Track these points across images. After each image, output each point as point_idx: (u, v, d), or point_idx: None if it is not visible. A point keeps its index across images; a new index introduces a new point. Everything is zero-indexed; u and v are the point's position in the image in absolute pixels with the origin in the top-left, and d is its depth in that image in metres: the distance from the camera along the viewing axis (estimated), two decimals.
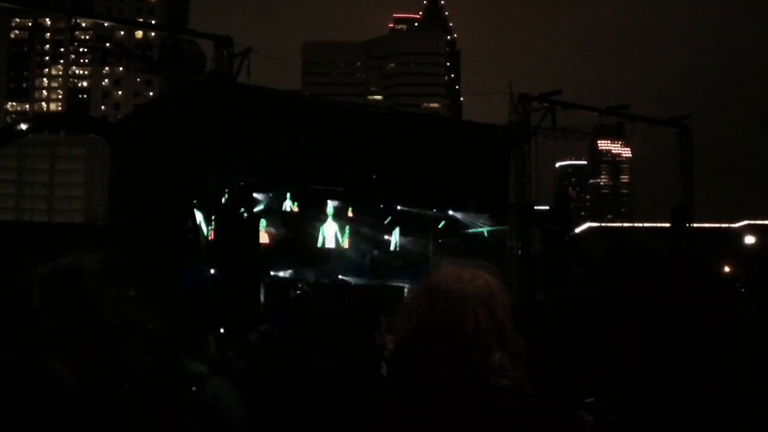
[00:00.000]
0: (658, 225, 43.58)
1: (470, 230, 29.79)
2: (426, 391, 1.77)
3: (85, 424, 0.93)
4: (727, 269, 28.19)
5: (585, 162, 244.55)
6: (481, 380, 1.78)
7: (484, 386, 1.78)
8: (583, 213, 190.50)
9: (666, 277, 2.63)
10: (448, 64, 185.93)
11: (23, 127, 27.98)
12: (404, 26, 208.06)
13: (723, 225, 54.32)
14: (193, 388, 4.24)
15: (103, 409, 0.95)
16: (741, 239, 46.23)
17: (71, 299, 0.98)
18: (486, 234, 29.80)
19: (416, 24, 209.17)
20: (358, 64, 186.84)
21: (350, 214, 29.12)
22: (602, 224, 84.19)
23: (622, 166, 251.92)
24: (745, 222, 54.54)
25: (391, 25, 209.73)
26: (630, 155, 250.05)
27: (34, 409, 0.91)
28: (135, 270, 1.08)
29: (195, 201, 24.91)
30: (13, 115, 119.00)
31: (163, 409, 1.03)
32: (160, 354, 1.02)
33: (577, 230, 39.15)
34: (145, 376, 0.98)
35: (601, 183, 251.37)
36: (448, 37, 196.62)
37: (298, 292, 23.18)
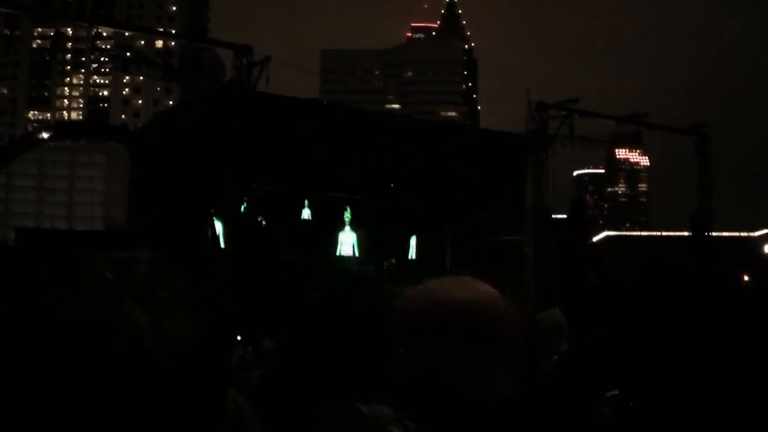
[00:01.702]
0: (677, 234, 43.41)
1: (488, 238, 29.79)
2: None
3: (161, 378, 1.04)
4: (746, 278, 28.06)
5: (603, 170, 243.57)
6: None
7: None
8: (600, 221, 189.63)
9: (695, 293, 2.66)
10: (465, 72, 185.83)
11: (45, 135, 28.27)
12: (422, 35, 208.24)
13: (742, 234, 54.04)
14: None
15: (171, 364, 1.05)
16: (760, 248, 46.00)
17: (127, 277, 1.10)
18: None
19: (434, 33, 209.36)
20: (376, 72, 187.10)
21: (368, 221, 29.21)
22: (620, 233, 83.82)
23: (640, 174, 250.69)
24: (765, 231, 54.23)
25: (409, 33, 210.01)
26: (648, 163, 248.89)
27: (117, 358, 1.01)
28: (183, 264, 1.20)
29: (213, 209, 25.07)
30: (34, 123, 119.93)
31: (212, 375, 1.13)
32: (208, 327, 1.13)
33: (595, 239, 39.06)
34: (194, 345, 1.09)
35: (619, 191, 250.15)
36: (465, 46, 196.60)
37: (315, 297, 23.23)
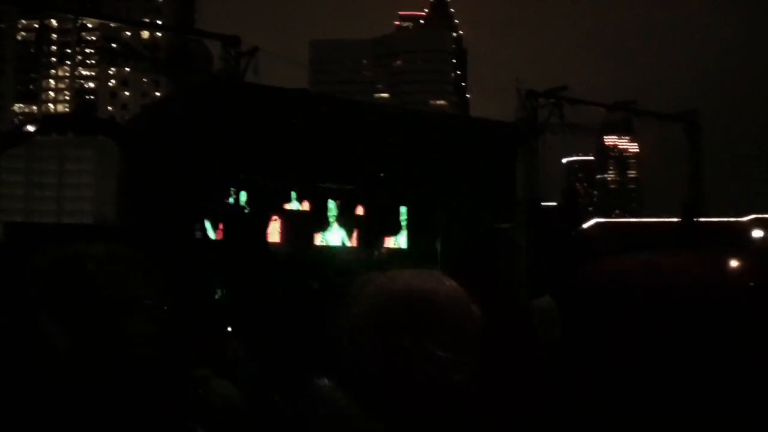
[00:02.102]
0: (666, 220, 43.49)
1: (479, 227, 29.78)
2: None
3: (78, 385, 0.97)
4: (735, 263, 28.11)
5: (592, 158, 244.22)
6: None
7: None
8: (590, 208, 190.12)
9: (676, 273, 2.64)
10: (454, 61, 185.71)
11: (31, 128, 28.09)
12: (410, 24, 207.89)
13: (731, 219, 54.19)
14: (199, 391, 4.27)
15: (100, 372, 0.99)
16: (749, 233, 46.12)
17: (74, 279, 1.03)
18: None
19: (422, 21, 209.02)
20: (365, 62, 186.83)
21: (358, 212, 29.16)
22: (610, 219, 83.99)
23: (629, 161, 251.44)
24: (753, 216, 54.41)
25: (397, 22, 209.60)
26: (637, 150, 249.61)
27: (25, 365, 0.95)
28: (140, 259, 1.13)
29: (203, 200, 24.98)
30: (21, 117, 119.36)
31: (167, 376, 1.07)
32: (160, 327, 1.06)
33: (585, 226, 39.09)
34: (146, 345, 1.03)
35: (609, 178, 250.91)
36: (455, 35, 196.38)
37: (309, 289, 23.23)
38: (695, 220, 32.29)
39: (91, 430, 1.00)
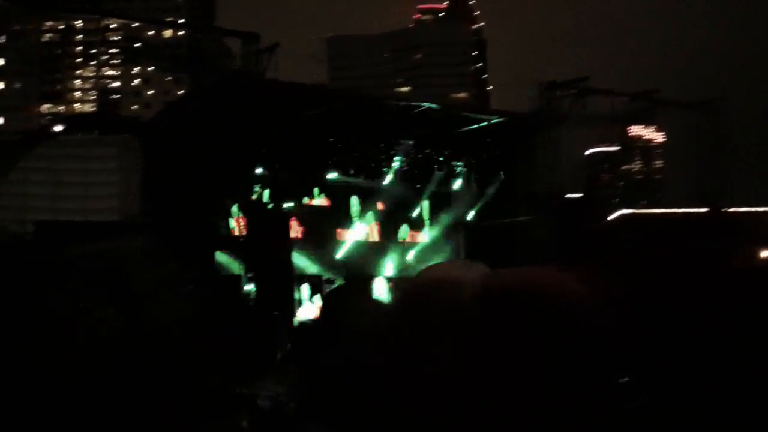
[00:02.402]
0: (693, 210, 43.16)
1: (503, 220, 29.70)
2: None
3: (127, 370, 1.03)
4: (764, 254, 27.90)
5: (616, 148, 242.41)
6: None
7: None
8: (615, 200, 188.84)
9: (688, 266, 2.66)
10: (474, 53, 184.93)
11: (57, 128, 28.35)
12: (430, 17, 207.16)
13: (759, 209, 53.69)
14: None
15: (145, 347, 1.05)
16: None
17: (109, 270, 1.09)
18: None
19: (441, 14, 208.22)
20: (384, 56, 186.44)
21: (379, 206, 29.20)
22: (635, 211, 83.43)
23: (654, 151, 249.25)
24: None
25: (417, 16, 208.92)
26: (662, 140, 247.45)
27: (79, 352, 1.01)
28: (164, 253, 1.19)
29: (226, 197, 25.13)
30: (47, 117, 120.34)
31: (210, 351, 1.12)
32: (197, 310, 1.11)
33: (609, 218, 38.88)
34: (176, 331, 1.08)
35: (634, 169, 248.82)
36: (474, 27, 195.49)
37: (333, 287, 23.34)
38: (721, 210, 32.03)
39: (140, 408, 1.05)
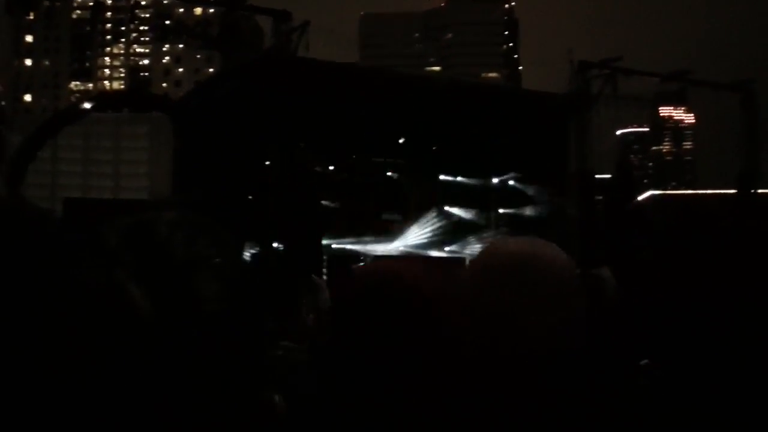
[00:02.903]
0: (723, 192, 42.72)
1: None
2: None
3: (162, 350, 1.02)
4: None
5: (647, 129, 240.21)
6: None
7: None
8: (645, 181, 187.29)
9: (731, 249, 2.64)
10: (506, 33, 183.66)
11: (87, 106, 28.53)
12: None
13: None
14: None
15: (180, 334, 1.03)
16: None
17: (146, 238, 1.08)
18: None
19: None
20: (416, 35, 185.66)
21: (411, 186, 29.13)
22: (665, 192, 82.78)
23: (685, 132, 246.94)
24: None
25: None
26: (693, 121, 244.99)
27: (110, 331, 0.99)
28: (207, 222, 1.18)
29: (257, 176, 25.18)
30: (77, 95, 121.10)
31: (242, 337, 1.11)
32: (231, 285, 1.10)
33: (640, 198, 38.64)
34: (218, 301, 1.07)
35: (664, 150, 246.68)
36: (506, 6, 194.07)
37: (360, 264, 23.36)
38: (752, 191, 31.69)
39: (170, 393, 1.03)
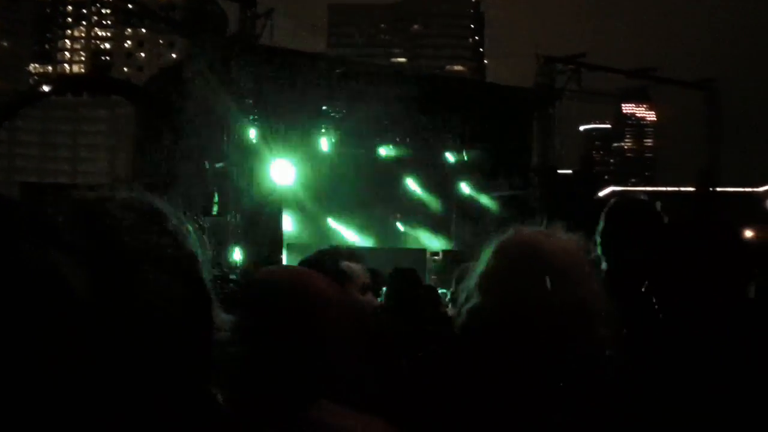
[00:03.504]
0: (683, 189, 43.29)
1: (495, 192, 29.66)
2: (546, 365, 1.71)
3: (95, 335, 0.91)
4: (749, 234, 28.04)
5: (609, 126, 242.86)
6: (602, 353, 1.72)
7: (604, 360, 1.73)
8: (606, 177, 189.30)
9: (690, 239, 2.63)
10: (472, 26, 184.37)
11: (46, 89, 28.09)
12: None
13: (747, 189, 53.90)
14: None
15: (119, 317, 0.93)
16: (765, 203, 45.89)
17: (94, 221, 0.97)
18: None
19: None
20: (383, 26, 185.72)
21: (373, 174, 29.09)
22: (626, 188, 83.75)
23: (646, 129, 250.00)
24: None
25: None
26: (655, 118, 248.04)
27: (39, 308, 0.89)
28: (164, 208, 1.08)
29: (219, 162, 24.98)
30: (36, 77, 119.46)
31: (188, 331, 1.01)
32: (181, 277, 1.01)
33: (601, 194, 38.96)
34: (165, 294, 0.96)
35: (626, 147, 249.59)
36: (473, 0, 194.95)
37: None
38: (712, 189, 32.07)
39: (103, 381, 0.94)
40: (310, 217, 28.05)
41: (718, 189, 32.82)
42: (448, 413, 1.82)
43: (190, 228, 1.08)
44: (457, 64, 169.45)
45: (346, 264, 3.24)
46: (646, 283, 2.77)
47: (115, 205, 1.00)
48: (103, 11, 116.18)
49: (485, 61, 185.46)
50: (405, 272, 5.90)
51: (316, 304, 1.88)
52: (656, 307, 2.56)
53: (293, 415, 1.66)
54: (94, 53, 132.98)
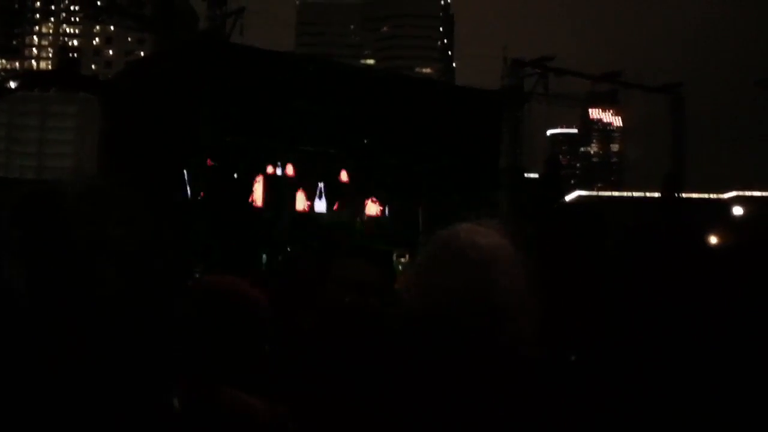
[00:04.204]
0: (648, 195, 43.66)
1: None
2: (453, 359, 1.69)
3: (41, 331, 0.91)
4: (714, 240, 28.32)
5: (576, 130, 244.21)
6: (514, 350, 1.70)
7: (517, 357, 1.70)
8: (573, 181, 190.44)
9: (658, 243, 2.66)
10: (441, 29, 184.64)
11: (13, 84, 27.78)
12: None
13: (712, 196, 54.44)
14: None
15: (66, 315, 0.92)
16: (729, 210, 46.39)
17: (44, 214, 0.96)
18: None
19: None
20: (352, 26, 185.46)
21: (343, 178, 29.05)
22: (592, 193, 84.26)
23: (613, 134, 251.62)
24: (734, 193, 54.70)
25: None
26: (621, 124, 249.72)
27: None
28: (122, 197, 1.06)
29: (185, 160, 24.83)
30: (2, 73, 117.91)
31: (144, 325, 1.00)
32: (135, 270, 0.99)
33: (567, 198, 39.20)
34: (117, 288, 0.96)
35: (592, 151, 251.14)
36: (443, 2, 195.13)
37: (287, 251, 23.24)
38: (677, 195, 32.39)
39: (54, 387, 0.93)
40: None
41: (684, 195, 33.16)
42: (369, 404, 1.85)
43: (148, 220, 1.05)
44: (425, 66, 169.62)
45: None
46: (601, 286, 2.78)
47: (68, 197, 0.97)
48: (72, 7, 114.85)
49: (454, 64, 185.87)
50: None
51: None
52: (612, 308, 2.57)
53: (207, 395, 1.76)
54: (62, 49, 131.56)
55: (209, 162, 23.72)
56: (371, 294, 3.50)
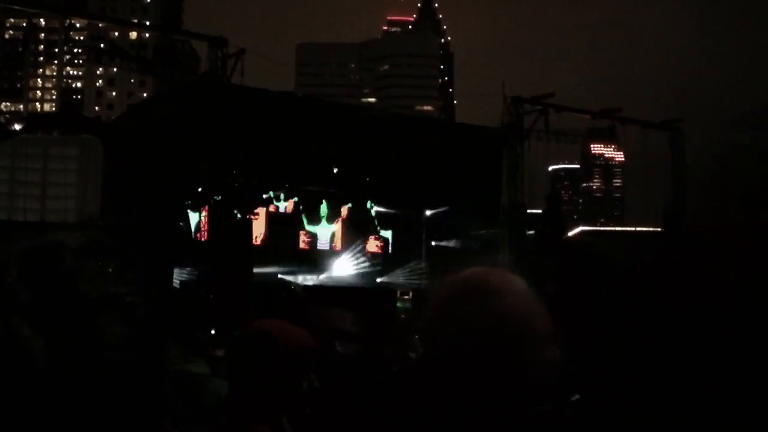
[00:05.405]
0: (651, 229, 43.60)
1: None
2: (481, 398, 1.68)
3: (55, 393, 0.94)
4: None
5: (577, 165, 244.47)
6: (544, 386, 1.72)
7: (545, 391, 1.72)
8: (575, 216, 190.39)
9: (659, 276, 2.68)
10: (441, 66, 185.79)
11: (17, 127, 27.96)
12: (398, 28, 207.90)
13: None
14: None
15: (77, 377, 0.95)
16: (731, 242, 46.19)
17: (49, 271, 0.99)
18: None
19: (410, 26, 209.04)
20: (352, 66, 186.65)
21: (344, 215, 29.16)
22: (595, 227, 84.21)
23: (614, 169, 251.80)
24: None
25: (385, 27, 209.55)
26: (622, 159, 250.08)
27: (5, 378, 0.92)
28: (120, 249, 1.09)
29: (188, 201, 24.93)
30: (6, 115, 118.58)
31: (144, 379, 1.03)
32: (138, 327, 1.02)
33: (569, 234, 39.17)
34: (122, 347, 0.98)
35: (594, 186, 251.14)
36: (442, 40, 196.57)
37: (290, 290, 23.25)
38: (679, 229, 32.35)
39: None
40: None
41: (684, 229, 33.14)
42: None
43: (147, 271, 1.07)
44: (425, 104, 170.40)
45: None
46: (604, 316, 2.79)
47: (70, 251, 0.99)
48: (75, 50, 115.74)
49: (454, 101, 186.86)
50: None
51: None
52: (619, 341, 2.58)
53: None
54: (65, 91, 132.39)
55: (210, 202, 23.83)
56: (350, 341, 3.59)
